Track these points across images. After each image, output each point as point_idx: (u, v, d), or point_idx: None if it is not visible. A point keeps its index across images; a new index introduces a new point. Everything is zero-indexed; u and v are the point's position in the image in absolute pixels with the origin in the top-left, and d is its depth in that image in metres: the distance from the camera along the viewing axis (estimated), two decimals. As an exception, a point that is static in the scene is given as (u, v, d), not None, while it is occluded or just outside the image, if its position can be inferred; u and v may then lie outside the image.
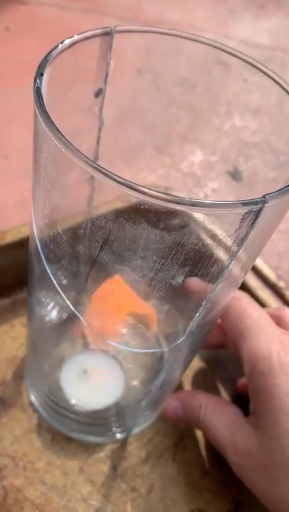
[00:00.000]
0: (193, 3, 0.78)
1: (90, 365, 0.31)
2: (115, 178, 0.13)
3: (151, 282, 0.16)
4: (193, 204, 0.13)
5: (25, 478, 0.28)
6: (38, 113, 0.14)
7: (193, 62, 0.30)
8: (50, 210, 0.17)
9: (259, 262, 0.36)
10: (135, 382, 0.31)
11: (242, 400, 0.28)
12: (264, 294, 0.34)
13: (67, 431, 0.29)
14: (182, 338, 0.20)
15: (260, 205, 0.14)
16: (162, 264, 0.15)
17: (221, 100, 0.32)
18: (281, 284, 0.35)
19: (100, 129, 0.21)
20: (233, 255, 0.16)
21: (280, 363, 0.24)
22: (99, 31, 0.18)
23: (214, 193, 0.47)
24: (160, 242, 0.14)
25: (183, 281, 0.16)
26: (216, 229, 0.16)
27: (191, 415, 0.28)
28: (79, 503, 0.28)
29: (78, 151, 0.14)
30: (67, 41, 0.16)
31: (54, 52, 0.16)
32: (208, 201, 0.13)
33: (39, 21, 0.64)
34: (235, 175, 0.38)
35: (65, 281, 0.20)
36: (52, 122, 0.14)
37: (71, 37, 0.17)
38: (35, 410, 0.30)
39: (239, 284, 0.20)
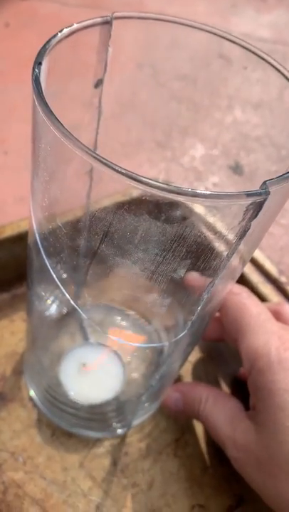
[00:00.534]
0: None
1: (89, 358, 0.31)
2: (115, 167, 0.13)
3: (153, 275, 0.16)
4: (196, 195, 0.13)
5: (25, 474, 0.28)
6: (36, 102, 0.14)
7: (194, 55, 0.29)
8: (49, 203, 0.17)
9: (261, 257, 0.36)
10: (135, 376, 0.31)
11: (242, 393, 0.28)
12: (266, 289, 0.34)
13: (67, 426, 0.29)
14: (184, 332, 0.19)
15: (263, 196, 0.13)
16: (164, 257, 0.15)
17: (222, 94, 0.31)
18: (283, 279, 0.34)
19: (98, 120, 0.21)
20: (234, 247, 0.16)
21: (279, 359, 0.24)
22: (98, 20, 0.18)
23: (215, 186, 0.47)
24: (162, 234, 0.14)
25: (184, 274, 0.16)
26: (217, 221, 0.16)
27: (191, 407, 0.28)
28: (79, 498, 0.27)
29: (78, 140, 0.14)
30: (65, 30, 0.16)
31: (53, 41, 0.16)
32: (210, 192, 0.13)
33: (39, 17, 0.64)
34: (236, 169, 0.38)
35: (64, 275, 0.20)
36: (51, 111, 0.14)
37: (70, 26, 0.17)
38: (34, 405, 0.30)
39: (238, 276, 0.20)
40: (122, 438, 0.30)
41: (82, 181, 0.19)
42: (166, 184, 0.13)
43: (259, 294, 0.33)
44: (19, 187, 0.42)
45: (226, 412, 0.26)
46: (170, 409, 0.29)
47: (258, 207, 0.14)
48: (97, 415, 0.29)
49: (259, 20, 0.76)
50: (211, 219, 0.17)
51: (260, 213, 0.14)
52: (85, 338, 0.32)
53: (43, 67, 0.15)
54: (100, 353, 0.31)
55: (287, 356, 0.24)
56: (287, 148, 0.26)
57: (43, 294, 0.26)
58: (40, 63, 0.15)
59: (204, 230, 0.19)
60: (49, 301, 0.27)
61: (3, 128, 0.47)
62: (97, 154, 0.13)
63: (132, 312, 0.32)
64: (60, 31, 0.16)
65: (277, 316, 0.28)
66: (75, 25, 0.17)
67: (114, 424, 0.29)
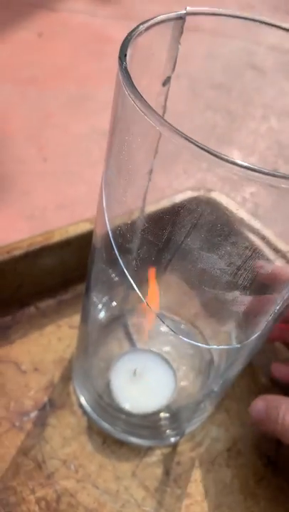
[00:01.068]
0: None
1: (139, 366, 0.30)
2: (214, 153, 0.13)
3: (238, 271, 0.15)
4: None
5: (77, 482, 0.27)
6: (129, 93, 0.14)
7: (227, 65, 0.29)
8: (129, 197, 0.16)
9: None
10: (186, 383, 0.30)
11: None
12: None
13: (119, 434, 0.29)
14: (258, 333, 0.19)
15: None
16: (253, 251, 0.14)
17: (256, 103, 0.31)
18: None
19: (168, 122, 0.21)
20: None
21: None
22: (172, 15, 0.17)
23: (253, 196, 0.46)
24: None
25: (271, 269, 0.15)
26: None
27: (272, 417, 0.27)
28: (133, 508, 0.27)
29: (175, 128, 0.13)
30: (142, 26, 0.16)
31: (134, 33, 0.15)
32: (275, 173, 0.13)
33: (70, 27, 0.65)
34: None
35: (138, 274, 0.19)
36: (145, 101, 0.13)
37: (145, 22, 0.16)
38: (84, 412, 0.29)
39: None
40: (174, 447, 0.29)
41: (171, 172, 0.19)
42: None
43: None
44: (59, 193, 0.42)
45: None
46: (252, 417, 0.28)
47: None
48: (150, 423, 0.29)
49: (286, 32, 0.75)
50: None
51: None
52: (132, 344, 0.32)
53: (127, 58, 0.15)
54: (150, 360, 0.30)
55: None
56: None
57: (102, 299, 0.25)
58: (125, 55, 0.14)
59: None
60: (104, 307, 0.27)
61: (41, 135, 0.47)
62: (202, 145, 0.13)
63: (176, 317, 0.32)
64: (142, 23, 0.16)
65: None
66: (154, 19, 0.16)
67: (167, 433, 0.29)
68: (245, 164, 0.13)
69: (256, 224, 0.25)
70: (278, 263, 0.15)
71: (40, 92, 0.52)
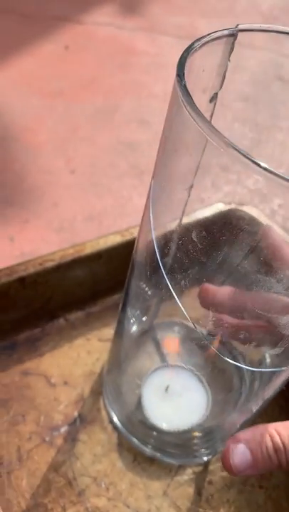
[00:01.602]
0: (245, 21, 0.78)
1: (171, 382, 0.29)
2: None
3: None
4: None
5: (108, 500, 0.27)
6: (188, 109, 0.14)
7: (254, 78, 0.29)
8: (173, 211, 0.16)
9: None
10: (219, 401, 0.30)
11: None
12: None
13: (149, 451, 0.28)
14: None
15: None
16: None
17: (283, 115, 0.31)
18: None
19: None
20: None
21: None
22: (225, 32, 0.17)
23: (281, 208, 0.46)
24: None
25: None
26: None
27: (266, 456, 0.21)
28: (165, 529, 0.26)
29: (235, 146, 0.13)
30: (198, 43, 0.16)
31: (191, 50, 0.15)
32: None
33: (96, 40, 0.65)
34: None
35: (186, 297, 0.19)
36: (205, 118, 0.13)
37: (200, 39, 0.16)
38: (115, 428, 0.29)
39: None
40: (205, 466, 0.29)
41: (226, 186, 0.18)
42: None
43: None
44: (87, 205, 0.42)
45: None
46: (236, 469, 0.22)
47: None
48: (182, 441, 0.28)
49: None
50: None
51: None
52: (163, 359, 0.31)
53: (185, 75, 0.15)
54: (182, 376, 0.30)
55: None
56: None
57: (135, 312, 0.25)
58: (183, 73, 0.14)
59: None
60: (138, 321, 0.27)
61: (68, 147, 0.47)
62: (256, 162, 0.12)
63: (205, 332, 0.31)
64: (198, 40, 0.16)
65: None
66: (208, 36, 0.16)
67: (200, 451, 0.28)
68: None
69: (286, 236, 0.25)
70: None
71: (67, 105, 0.52)
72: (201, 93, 0.19)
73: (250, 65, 0.28)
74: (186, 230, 0.17)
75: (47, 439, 0.28)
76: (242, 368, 0.30)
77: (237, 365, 0.30)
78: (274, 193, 0.13)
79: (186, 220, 0.18)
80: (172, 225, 0.20)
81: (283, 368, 0.18)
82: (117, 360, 0.28)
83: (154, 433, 0.28)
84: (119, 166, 0.46)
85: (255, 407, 0.26)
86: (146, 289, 0.21)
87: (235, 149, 0.13)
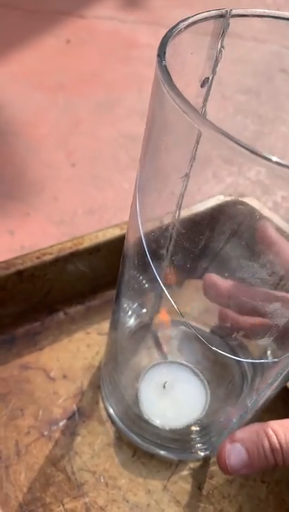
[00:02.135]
0: (249, 12, 0.77)
1: (169, 378, 0.29)
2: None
3: (280, 281, 0.14)
4: None
5: (107, 495, 0.26)
6: (168, 91, 0.13)
7: (257, 70, 0.29)
8: (163, 201, 0.16)
9: None
10: (218, 397, 0.29)
11: None
12: None
13: (148, 446, 0.28)
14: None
15: None
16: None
17: (287, 107, 0.30)
18: None
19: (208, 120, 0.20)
20: None
21: None
22: (214, 13, 0.17)
23: (284, 200, 0.45)
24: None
25: None
26: None
27: (262, 454, 0.21)
28: (165, 524, 0.26)
29: (214, 125, 0.13)
30: (183, 23, 0.15)
31: (174, 31, 0.15)
32: None
33: (98, 34, 0.65)
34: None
35: (172, 283, 0.19)
36: (185, 99, 0.13)
37: (186, 19, 0.16)
38: (113, 423, 0.29)
39: None
40: (206, 460, 0.28)
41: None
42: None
43: None
44: (88, 199, 0.41)
45: None
46: (231, 468, 0.22)
47: None
48: (180, 437, 0.28)
49: None
50: None
51: None
52: (163, 355, 0.31)
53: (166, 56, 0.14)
54: (180, 373, 0.29)
55: None
56: None
57: (129, 306, 0.25)
58: (164, 53, 0.14)
59: None
60: (134, 315, 0.26)
61: (69, 141, 0.47)
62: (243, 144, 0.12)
63: (207, 329, 0.31)
64: (182, 21, 0.15)
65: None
66: (195, 17, 0.16)
67: (198, 446, 0.28)
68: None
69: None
70: None
71: (69, 98, 0.52)
72: (190, 77, 0.19)
73: (253, 57, 0.28)
74: (181, 223, 0.16)
75: (45, 433, 0.28)
76: (242, 363, 0.30)
77: (238, 361, 0.29)
78: (256, 174, 0.13)
79: (179, 213, 0.18)
80: (164, 217, 0.19)
81: (276, 360, 0.18)
82: (112, 353, 0.28)
83: (152, 428, 0.27)
84: (121, 159, 0.46)
85: (256, 403, 0.25)
86: (136, 279, 0.21)
87: (216, 129, 0.12)
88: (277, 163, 0.12)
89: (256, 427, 0.22)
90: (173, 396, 0.28)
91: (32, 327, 0.32)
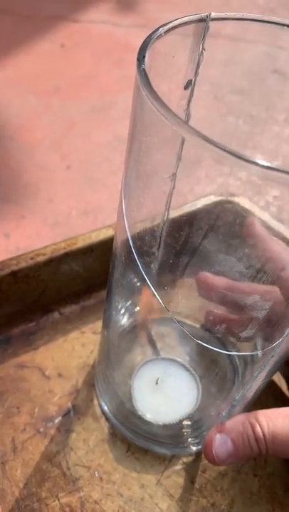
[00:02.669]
0: (242, 14, 0.77)
1: (162, 375, 0.30)
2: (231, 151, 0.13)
3: (257, 274, 0.15)
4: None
5: (101, 490, 0.27)
6: (146, 94, 0.14)
7: (249, 71, 0.29)
8: (149, 202, 0.16)
9: None
10: (210, 393, 0.30)
11: None
12: None
13: (142, 441, 0.28)
14: (280, 340, 0.18)
15: None
16: (273, 254, 0.14)
17: (279, 107, 0.31)
18: None
19: (187, 122, 0.21)
20: None
21: None
22: (194, 17, 0.17)
23: (276, 199, 0.46)
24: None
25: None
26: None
27: (246, 444, 0.22)
28: (158, 517, 0.26)
29: (193, 129, 0.13)
30: (165, 26, 0.16)
31: (154, 36, 0.15)
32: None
33: (92, 37, 0.66)
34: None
35: (156, 278, 0.19)
36: (163, 103, 0.13)
37: (166, 24, 0.16)
38: (107, 419, 0.29)
39: None
40: (199, 455, 0.29)
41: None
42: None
43: None
44: (82, 200, 0.42)
45: None
46: (218, 458, 0.22)
47: None
48: (172, 432, 0.28)
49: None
50: None
51: None
52: (155, 352, 0.31)
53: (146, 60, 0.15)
54: (173, 369, 0.30)
55: None
56: None
57: (122, 305, 0.25)
58: (144, 57, 0.14)
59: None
60: (126, 313, 0.27)
61: (64, 143, 0.47)
62: (226, 148, 0.13)
63: (198, 325, 0.31)
64: (162, 26, 0.16)
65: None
66: (172, 23, 0.16)
67: (190, 441, 0.28)
68: (267, 164, 0.13)
69: (279, 227, 0.25)
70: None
71: (63, 102, 0.53)
72: (175, 80, 0.20)
73: (245, 58, 0.28)
74: (169, 222, 0.17)
75: (41, 430, 0.28)
76: (233, 358, 0.30)
77: (228, 355, 0.30)
78: (236, 175, 0.13)
79: (161, 208, 0.18)
80: (153, 217, 0.20)
81: (258, 352, 0.18)
82: (105, 352, 0.29)
83: (145, 424, 0.28)
84: (115, 161, 0.46)
85: (243, 396, 0.26)
86: (126, 277, 0.21)
87: (193, 132, 0.13)
88: (255, 163, 0.13)
89: (242, 417, 0.22)
90: (165, 392, 0.29)
91: (27, 327, 0.33)
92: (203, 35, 0.18)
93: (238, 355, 0.26)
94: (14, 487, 0.26)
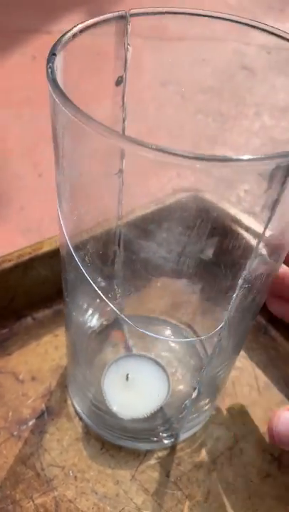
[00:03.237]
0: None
1: (132, 371, 0.30)
2: (147, 145, 0.13)
3: (180, 258, 0.15)
4: (220, 160, 0.13)
5: (76, 488, 0.27)
6: (54, 95, 0.14)
7: (217, 69, 0.29)
8: (78, 210, 0.17)
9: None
10: (180, 387, 0.30)
11: None
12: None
13: (115, 439, 0.29)
14: (221, 325, 0.19)
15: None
16: (188, 236, 0.14)
17: (248, 102, 0.31)
18: None
19: (124, 120, 0.21)
20: (266, 223, 0.15)
21: None
22: (112, 15, 0.18)
23: (247, 193, 0.46)
24: (183, 210, 0.13)
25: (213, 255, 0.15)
26: (245, 196, 0.16)
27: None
28: (133, 512, 0.26)
29: (103, 124, 0.14)
30: (79, 26, 0.16)
31: (68, 35, 0.16)
32: (235, 157, 0.13)
33: (64, 47, 0.66)
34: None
35: (102, 283, 0.19)
36: (70, 102, 0.14)
37: (82, 22, 0.17)
38: (81, 419, 0.30)
39: (282, 259, 0.19)
40: (174, 448, 0.29)
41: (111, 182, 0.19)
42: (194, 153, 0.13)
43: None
44: (54, 207, 0.42)
45: None
46: (278, 435, 0.24)
47: (285, 171, 0.13)
48: (143, 426, 0.29)
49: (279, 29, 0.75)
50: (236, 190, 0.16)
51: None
52: (128, 349, 0.32)
53: (60, 64, 0.15)
54: (143, 365, 0.30)
55: None
56: None
57: (82, 305, 0.26)
58: (54, 54, 0.15)
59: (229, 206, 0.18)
60: (88, 313, 0.27)
61: (36, 152, 0.48)
62: (124, 135, 0.13)
63: (173, 321, 0.32)
64: (76, 25, 0.16)
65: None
66: (89, 21, 0.17)
67: (162, 435, 0.28)
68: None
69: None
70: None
71: (34, 112, 0.53)
72: (103, 77, 0.20)
73: (213, 56, 0.29)
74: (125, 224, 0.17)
75: (15, 433, 0.29)
76: (201, 351, 0.30)
77: (196, 349, 0.30)
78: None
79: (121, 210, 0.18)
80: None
81: (202, 337, 0.19)
82: (72, 353, 0.29)
83: (117, 420, 0.28)
84: (86, 166, 0.47)
85: (201, 384, 0.26)
86: (78, 278, 0.22)
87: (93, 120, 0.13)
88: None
89: None
90: (135, 387, 0.29)
91: (0, 334, 0.33)
92: (126, 32, 0.19)
93: (200, 343, 0.27)
94: (-12, 491, 0.26)
